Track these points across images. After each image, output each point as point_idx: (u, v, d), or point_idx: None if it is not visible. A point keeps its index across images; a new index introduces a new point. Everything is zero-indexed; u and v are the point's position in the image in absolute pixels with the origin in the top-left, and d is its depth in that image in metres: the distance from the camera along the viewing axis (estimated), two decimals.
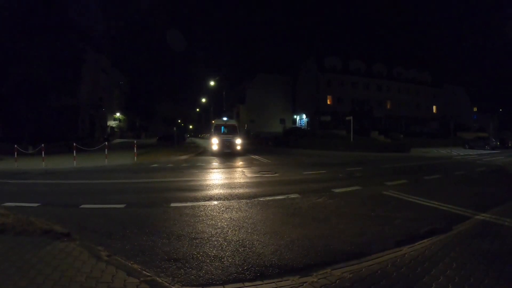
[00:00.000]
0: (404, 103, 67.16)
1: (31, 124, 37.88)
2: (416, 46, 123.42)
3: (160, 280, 4.46)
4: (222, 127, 29.79)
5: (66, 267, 4.69)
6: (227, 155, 27.28)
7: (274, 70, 75.09)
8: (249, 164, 21.18)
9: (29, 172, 17.86)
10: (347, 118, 40.67)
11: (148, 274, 4.60)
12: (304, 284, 4.43)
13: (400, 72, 69.55)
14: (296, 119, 73.58)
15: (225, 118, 30.56)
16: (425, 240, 6.13)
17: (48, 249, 5.42)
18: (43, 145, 21.40)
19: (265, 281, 4.55)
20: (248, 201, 9.63)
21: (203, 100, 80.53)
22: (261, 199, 9.79)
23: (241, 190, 11.61)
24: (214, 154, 28.26)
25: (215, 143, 28.66)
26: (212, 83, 62.93)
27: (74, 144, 21.85)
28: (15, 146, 21.93)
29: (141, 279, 4.38)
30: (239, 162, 21.97)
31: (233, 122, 30.87)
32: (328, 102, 62.99)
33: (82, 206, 9.11)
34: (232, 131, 29.73)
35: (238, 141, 28.92)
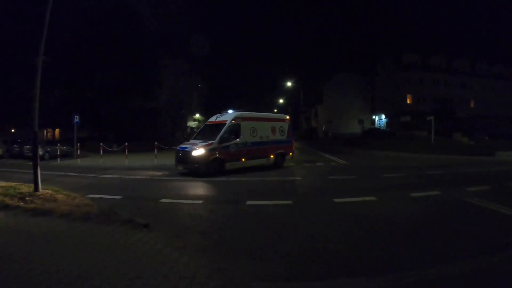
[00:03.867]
0: (490, 102, 62.27)
1: (115, 125, 40.23)
2: (500, 39, 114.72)
3: (231, 272, 4.57)
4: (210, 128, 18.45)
5: (142, 255, 5.01)
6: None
7: (352, 68, 72.90)
8: (327, 165, 20.94)
9: (113, 168, 19.03)
10: (428, 118, 38.80)
11: (220, 266, 4.72)
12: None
13: (484, 68, 64.95)
14: (375, 119, 70.71)
15: (230, 111, 19.11)
16: (507, 252, 5.74)
17: (127, 237, 5.81)
18: (126, 143, 22.56)
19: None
20: (322, 201, 9.53)
21: (281, 101, 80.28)
22: (336, 201, 9.62)
23: (317, 191, 11.57)
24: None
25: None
26: (289, 83, 62.76)
27: (156, 143, 22.83)
28: (101, 144, 23.38)
29: (213, 269, 4.56)
30: (317, 163, 21.71)
31: (228, 117, 18.04)
32: (408, 101, 59.96)
33: (162, 200, 9.57)
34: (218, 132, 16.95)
35: (200, 151, 15.81)
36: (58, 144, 25.74)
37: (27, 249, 5.36)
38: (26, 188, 10.46)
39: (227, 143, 16.69)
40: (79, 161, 22.87)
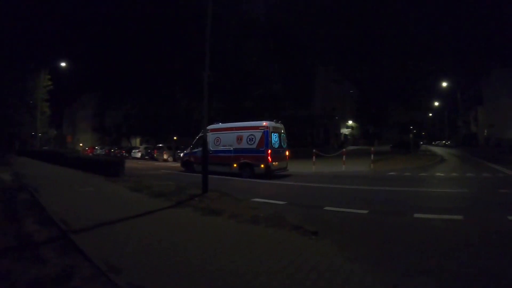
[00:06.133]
0: None
1: None
2: None
3: None
4: None
5: (315, 263, 4.87)
6: None
7: None
8: (494, 176, 18.62)
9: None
10: None
11: (395, 282, 4.41)
12: None
13: None
14: None
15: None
16: None
17: (297, 243, 5.76)
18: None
19: None
20: (494, 219, 8.25)
21: (436, 103, 74.69)
22: (511, 218, 8.28)
23: (486, 206, 10.12)
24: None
25: None
26: (444, 84, 57.95)
27: (314, 150, 23.05)
28: None
29: (388, 286, 4.29)
30: (482, 174, 19.26)
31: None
32: None
33: (326, 208, 9.40)
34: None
35: (181, 155, 23.15)
36: None
37: (201, 245, 5.66)
38: (195, 189, 11.25)
39: (195, 150, 20.56)
40: None
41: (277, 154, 18.43)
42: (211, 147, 19.01)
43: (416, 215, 8.48)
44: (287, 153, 19.69)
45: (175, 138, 53.66)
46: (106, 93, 68.89)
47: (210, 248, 5.52)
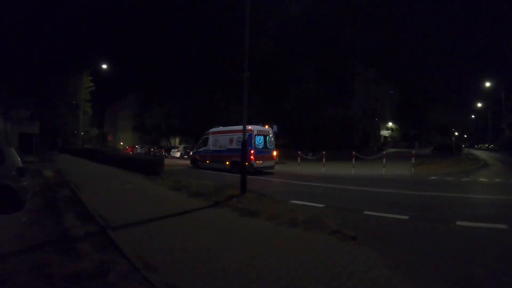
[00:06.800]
0: None
1: (310, 134, 41.74)
2: None
3: None
4: None
5: (353, 270, 4.78)
6: None
7: None
8: None
9: (309, 176, 19.49)
10: None
11: None
12: None
13: None
14: None
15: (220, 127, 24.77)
16: None
17: (336, 248, 5.65)
18: (324, 152, 22.90)
19: None
20: None
21: (479, 105, 71.55)
22: None
23: None
24: None
25: None
26: (487, 84, 55.47)
27: (354, 152, 22.75)
28: (299, 152, 24.22)
29: None
30: None
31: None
32: None
33: (365, 212, 9.15)
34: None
35: (191, 154, 29.69)
36: None
37: (237, 247, 5.67)
38: (232, 189, 11.23)
39: (200, 149, 24.51)
40: (276, 168, 23.87)
41: (261, 154, 20.82)
42: (211, 147, 23.23)
43: (458, 223, 8.09)
44: (274, 153, 22.06)
45: None
46: (146, 93, 70.57)
47: (246, 250, 5.52)
